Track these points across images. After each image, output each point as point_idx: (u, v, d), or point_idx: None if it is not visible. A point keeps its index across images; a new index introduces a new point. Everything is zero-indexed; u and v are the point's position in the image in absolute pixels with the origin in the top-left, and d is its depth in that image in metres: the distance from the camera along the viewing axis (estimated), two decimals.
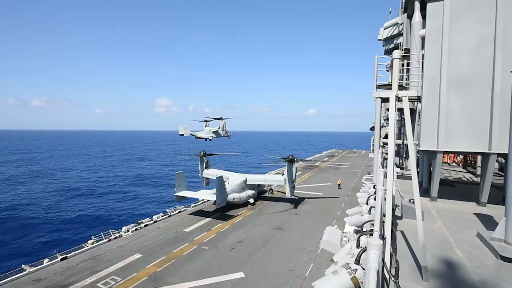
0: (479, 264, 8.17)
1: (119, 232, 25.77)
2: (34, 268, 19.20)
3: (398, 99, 9.29)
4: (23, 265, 19.36)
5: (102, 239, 24.23)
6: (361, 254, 4.64)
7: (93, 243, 23.44)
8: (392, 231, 7.00)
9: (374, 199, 8.55)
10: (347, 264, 4.69)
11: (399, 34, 34.05)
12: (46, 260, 20.25)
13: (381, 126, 19.71)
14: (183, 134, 53.03)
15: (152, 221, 28.68)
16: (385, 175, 11.16)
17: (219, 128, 53.94)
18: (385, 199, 7.97)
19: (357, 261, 4.65)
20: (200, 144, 53.64)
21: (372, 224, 6.28)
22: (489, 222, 11.59)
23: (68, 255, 21.03)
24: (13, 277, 18.10)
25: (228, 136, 55.91)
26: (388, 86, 17.27)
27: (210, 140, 54.06)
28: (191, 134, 51.95)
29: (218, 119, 54.05)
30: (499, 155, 13.79)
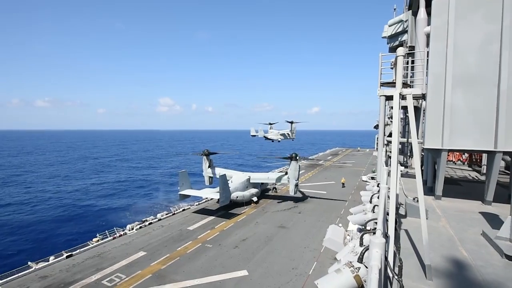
0: (484, 263, 8.11)
1: (123, 230, 26.00)
2: (40, 265, 19.47)
3: (402, 97, 9.21)
4: (29, 262, 19.65)
5: (107, 237, 24.51)
6: (364, 253, 4.62)
7: (98, 241, 23.70)
8: (396, 229, 6.97)
9: (378, 197, 8.51)
10: (350, 262, 4.67)
11: (404, 32, 33.79)
12: (52, 258, 20.51)
13: (385, 124, 19.61)
14: (255, 135, 57.66)
15: (156, 219, 28.91)
16: (389, 174, 11.12)
17: (290, 130, 58.47)
18: (388, 197, 7.93)
19: (360, 260, 4.64)
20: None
21: (376, 223, 6.25)
22: (494, 221, 11.50)
23: (73, 253, 21.30)
24: (19, 274, 18.37)
25: (292, 138, 60.33)
26: (392, 84, 17.19)
27: (279, 141, 57.95)
28: (264, 136, 57.38)
29: (290, 122, 59.56)
30: (504, 153, 13.66)
